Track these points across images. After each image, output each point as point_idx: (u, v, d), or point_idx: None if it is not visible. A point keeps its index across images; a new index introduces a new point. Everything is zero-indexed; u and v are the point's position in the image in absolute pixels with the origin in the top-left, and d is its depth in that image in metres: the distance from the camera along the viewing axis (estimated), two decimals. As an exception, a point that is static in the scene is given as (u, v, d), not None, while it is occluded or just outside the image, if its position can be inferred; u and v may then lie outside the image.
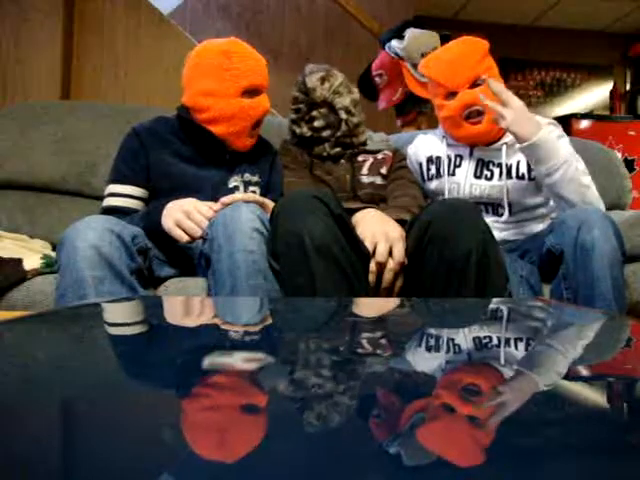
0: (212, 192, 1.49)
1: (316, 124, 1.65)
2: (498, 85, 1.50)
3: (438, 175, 1.72)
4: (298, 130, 1.68)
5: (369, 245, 1.29)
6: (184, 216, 1.32)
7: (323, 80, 1.66)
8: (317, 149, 1.67)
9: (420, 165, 1.77)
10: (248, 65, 1.52)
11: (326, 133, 1.65)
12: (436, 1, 4.57)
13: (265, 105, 1.55)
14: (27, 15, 2.67)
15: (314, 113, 1.65)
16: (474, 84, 1.60)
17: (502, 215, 1.64)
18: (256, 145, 1.64)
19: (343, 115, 1.65)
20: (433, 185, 1.74)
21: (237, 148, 1.57)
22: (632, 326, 0.72)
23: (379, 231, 1.30)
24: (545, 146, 1.46)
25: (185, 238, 1.32)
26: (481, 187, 1.65)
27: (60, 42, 2.70)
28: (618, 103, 5.08)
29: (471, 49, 1.63)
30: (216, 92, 1.51)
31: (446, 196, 1.69)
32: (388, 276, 1.28)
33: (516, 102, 1.48)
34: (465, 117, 1.61)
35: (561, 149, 1.48)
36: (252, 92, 1.53)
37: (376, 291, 1.30)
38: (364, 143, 1.71)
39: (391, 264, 1.28)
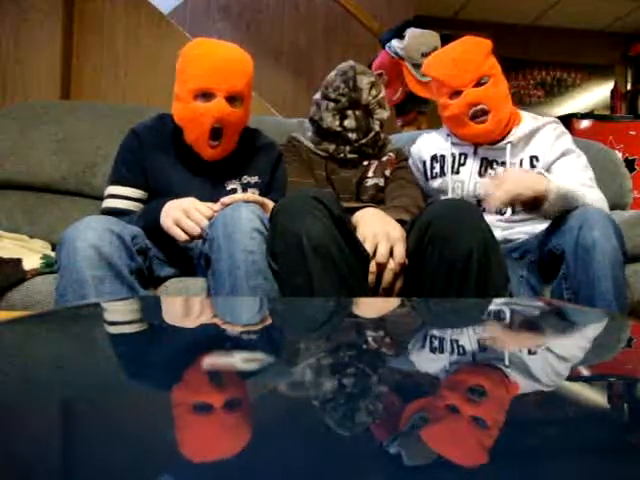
0: (209, 195, 1.47)
1: (347, 123, 1.62)
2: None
3: (442, 173, 1.72)
4: (329, 119, 1.63)
5: (370, 245, 1.28)
6: (183, 215, 1.31)
7: (372, 86, 1.64)
8: (337, 148, 1.64)
9: (424, 163, 1.77)
10: (201, 67, 1.43)
11: (352, 135, 1.63)
12: (436, 1, 4.57)
13: (217, 112, 1.42)
14: (27, 15, 2.67)
15: (349, 112, 1.62)
16: (478, 83, 1.60)
17: (505, 214, 1.64)
18: (257, 146, 1.61)
19: (377, 127, 1.65)
20: (436, 183, 1.73)
21: (203, 158, 1.50)
22: (632, 326, 0.72)
23: (380, 231, 1.29)
24: (563, 197, 1.40)
25: (184, 237, 1.31)
26: (485, 186, 1.66)
27: (60, 42, 2.69)
28: (619, 103, 5.07)
29: (475, 48, 1.63)
30: (177, 95, 1.48)
31: (450, 194, 1.69)
32: (388, 276, 1.28)
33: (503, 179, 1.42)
34: (470, 116, 1.61)
35: (576, 192, 1.43)
36: (204, 96, 1.43)
37: (375, 291, 1.30)
38: (376, 154, 1.71)
39: (391, 265, 1.28)
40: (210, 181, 1.52)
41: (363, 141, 1.63)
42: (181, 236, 1.31)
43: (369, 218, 1.36)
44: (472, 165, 1.68)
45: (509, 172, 1.44)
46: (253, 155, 1.59)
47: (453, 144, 1.72)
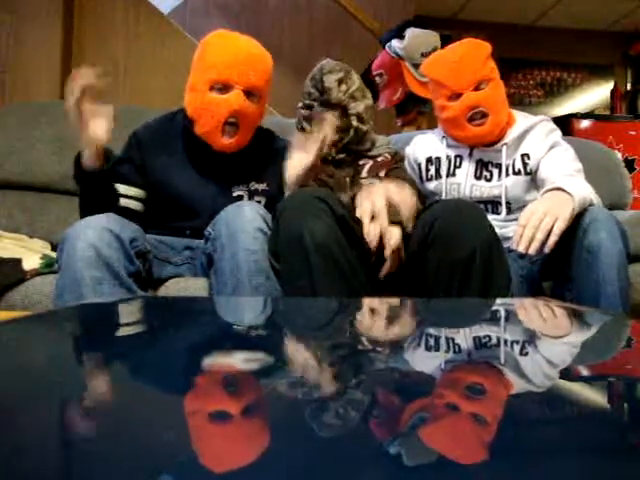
0: (212, 202, 1.45)
1: None
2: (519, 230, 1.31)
3: (437, 176, 1.72)
4: (309, 128, 1.61)
5: (359, 215, 1.28)
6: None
7: (341, 82, 1.60)
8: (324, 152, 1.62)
9: (419, 166, 1.76)
10: (220, 58, 1.40)
11: (335, 136, 1.59)
12: (436, 1, 4.56)
13: (234, 104, 1.38)
14: (27, 15, 2.67)
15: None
16: (477, 87, 1.60)
17: (500, 213, 1.64)
18: (270, 149, 1.57)
19: (354, 122, 1.61)
20: (432, 186, 1.73)
21: (219, 150, 1.45)
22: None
23: (365, 204, 1.30)
24: (581, 206, 1.35)
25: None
26: (481, 188, 1.66)
27: (60, 42, 2.69)
28: (619, 103, 5.07)
29: (475, 51, 1.63)
30: (192, 86, 1.44)
31: (444, 197, 1.68)
32: (390, 263, 1.27)
33: (531, 215, 1.31)
34: (468, 119, 1.61)
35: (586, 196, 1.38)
36: (222, 88, 1.40)
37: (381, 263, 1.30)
38: (369, 149, 1.69)
39: (387, 251, 1.27)
40: (216, 184, 1.49)
41: (346, 140, 1.61)
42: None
43: (363, 194, 1.36)
44: (468, 167, 1.68)
45: (540, 205, 1.31)
46: (264, 159, 1.55)
47: (448, 146, 1.72)
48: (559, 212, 1.28)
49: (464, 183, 1.67)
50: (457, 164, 1.70)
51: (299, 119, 1.68)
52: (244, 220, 1.23)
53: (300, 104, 1.68)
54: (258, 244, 1.23)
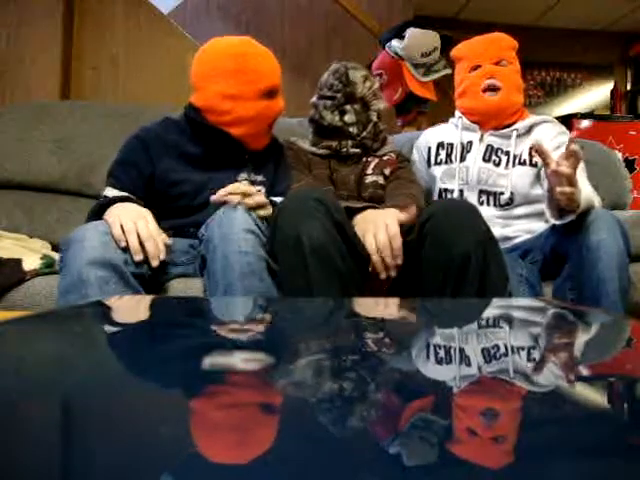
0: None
1: (347, 118, 1.64)
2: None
3: (447, 160, 1.75)
4: (329, 117, 1.65)
5: (369, 240, 1.28)
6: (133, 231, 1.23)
7: (365, 78, 1.67)
8: (339, 143, 1.65)
9: (429, 150, 1.80)
10: (265, 67, 1.54)
11: (353, 129, 1.64)
12: (436, 1, 4.57)
13: (280, 105, 1.58)
14: (27, 15, 2.67)
15: (347, 107, 1.64)
16: (498, 63, 1.72)
17: (503, 204, 1.65)
18: (267, 149, 1.63)
19: (374, 117, 1.66)
20: (440, 170, 1.76)
21: (255, 148, 1.58)
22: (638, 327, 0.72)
23: (376, 224, 1.31)
24: (585, 206, 1.36)
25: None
26: (489, 171, 1.69)
27: (60, 42, 2.69)
28: (619, 103, 5.08)
29: (503, 36, 1.77)
30: (236, 95, 1.51)
31: (456, 179, 1.71)
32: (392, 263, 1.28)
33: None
34: (483, 89, 1.71)
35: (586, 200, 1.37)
36: (270, 93, 1.55)
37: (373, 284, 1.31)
38: (378, 148, 1.71)
39: (389, 255, 1.28)
40: (220, 180, 1.49)
41: (364, 134, 1.65)
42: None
43: (366, 217, 1.37)
44: (477, 151, 1.72)
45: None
46: (260, 154, 1.61)
47: (463, 129, 1.77)
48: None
49: (472, 165, 1.71)
50: (468, 149, 1.75)
51: (316, 110, 1.69)
52: (236, 221, 1.24)
53: (316, 97, 1.70)
54: (250, 245, 1.22)
